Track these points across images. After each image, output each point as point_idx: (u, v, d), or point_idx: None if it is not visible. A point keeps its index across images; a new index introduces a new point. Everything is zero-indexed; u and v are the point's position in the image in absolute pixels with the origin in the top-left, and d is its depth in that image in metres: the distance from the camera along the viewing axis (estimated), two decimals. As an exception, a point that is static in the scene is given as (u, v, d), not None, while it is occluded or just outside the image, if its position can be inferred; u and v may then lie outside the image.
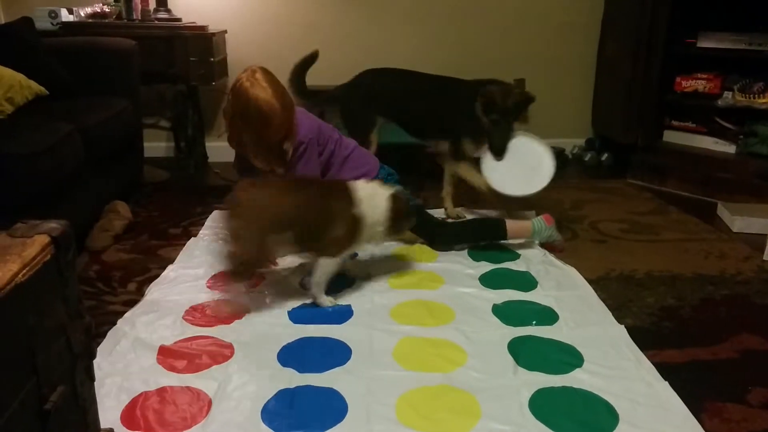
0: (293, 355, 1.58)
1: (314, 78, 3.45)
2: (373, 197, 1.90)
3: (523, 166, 2.37)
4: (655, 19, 3.09)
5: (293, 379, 1.48)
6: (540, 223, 2.28)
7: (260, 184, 1.85)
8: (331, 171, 2.20)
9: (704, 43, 3.07)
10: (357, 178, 2.20)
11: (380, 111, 2.62)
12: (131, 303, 1.87)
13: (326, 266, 1.86)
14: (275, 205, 1.79)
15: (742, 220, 2.54)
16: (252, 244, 1.76)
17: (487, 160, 2.42)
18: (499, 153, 2.38)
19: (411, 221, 2.04)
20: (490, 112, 2.38)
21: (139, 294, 1.93)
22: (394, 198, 1.93)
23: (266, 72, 1.97)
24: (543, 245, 2.31)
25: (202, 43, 3.07)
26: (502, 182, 2.37)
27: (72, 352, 0.96)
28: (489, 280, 2.03)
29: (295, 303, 1.87)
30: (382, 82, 2.66)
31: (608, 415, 1.36)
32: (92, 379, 1.05)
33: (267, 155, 2.02)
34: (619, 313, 1.83)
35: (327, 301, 1.89)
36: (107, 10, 3.16)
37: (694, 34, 3.09)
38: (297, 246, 1.87)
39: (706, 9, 3.07)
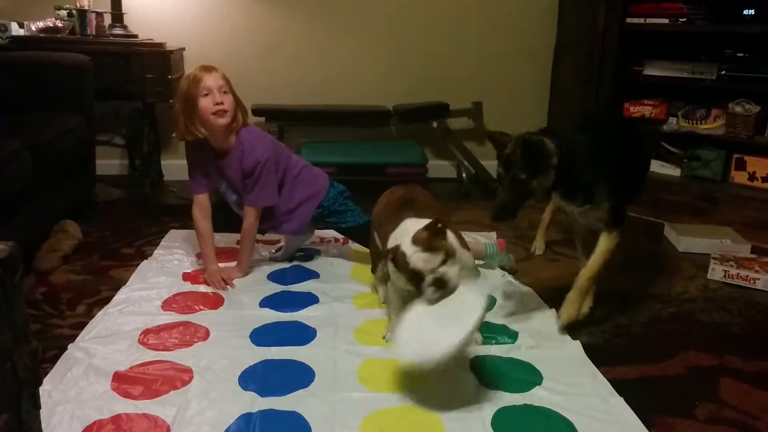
0: (255, 378, 1.55)
1: (273, 97, 3.48)
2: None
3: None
4: (604, 47, 3.23)
5: (255, 402, 1.45)
6: (493, 248, 2.31)
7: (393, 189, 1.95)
8: (283, 190, 2.20)
9: (650, 71, 3.22)
10: (309, 197, 2.21)
11: None
12: (80, 326, 1.80)
13: None
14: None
15: (687, 240, 2.64)
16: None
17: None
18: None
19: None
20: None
21: (88, 317, 1.86)
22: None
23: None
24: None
25: (160, 60, 3.03)
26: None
27: (18, 379, 0.91)
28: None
29: (256, 325, 1.84)
30: None
31: (568, 430, 1.39)
32: (38, 407, 1.00)
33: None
34: (573, 331, 1.87)
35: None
36: (60, 24, 3.06)
37: (641, 62, 3.25)
38: None
39: (652, 39, 3.23)
